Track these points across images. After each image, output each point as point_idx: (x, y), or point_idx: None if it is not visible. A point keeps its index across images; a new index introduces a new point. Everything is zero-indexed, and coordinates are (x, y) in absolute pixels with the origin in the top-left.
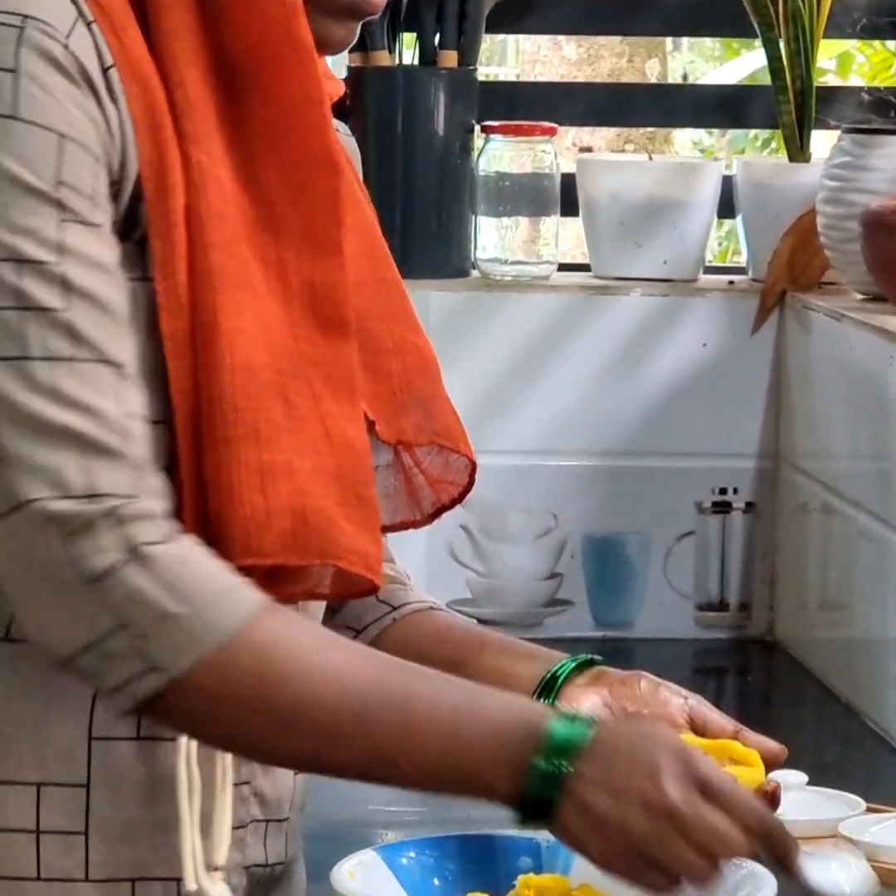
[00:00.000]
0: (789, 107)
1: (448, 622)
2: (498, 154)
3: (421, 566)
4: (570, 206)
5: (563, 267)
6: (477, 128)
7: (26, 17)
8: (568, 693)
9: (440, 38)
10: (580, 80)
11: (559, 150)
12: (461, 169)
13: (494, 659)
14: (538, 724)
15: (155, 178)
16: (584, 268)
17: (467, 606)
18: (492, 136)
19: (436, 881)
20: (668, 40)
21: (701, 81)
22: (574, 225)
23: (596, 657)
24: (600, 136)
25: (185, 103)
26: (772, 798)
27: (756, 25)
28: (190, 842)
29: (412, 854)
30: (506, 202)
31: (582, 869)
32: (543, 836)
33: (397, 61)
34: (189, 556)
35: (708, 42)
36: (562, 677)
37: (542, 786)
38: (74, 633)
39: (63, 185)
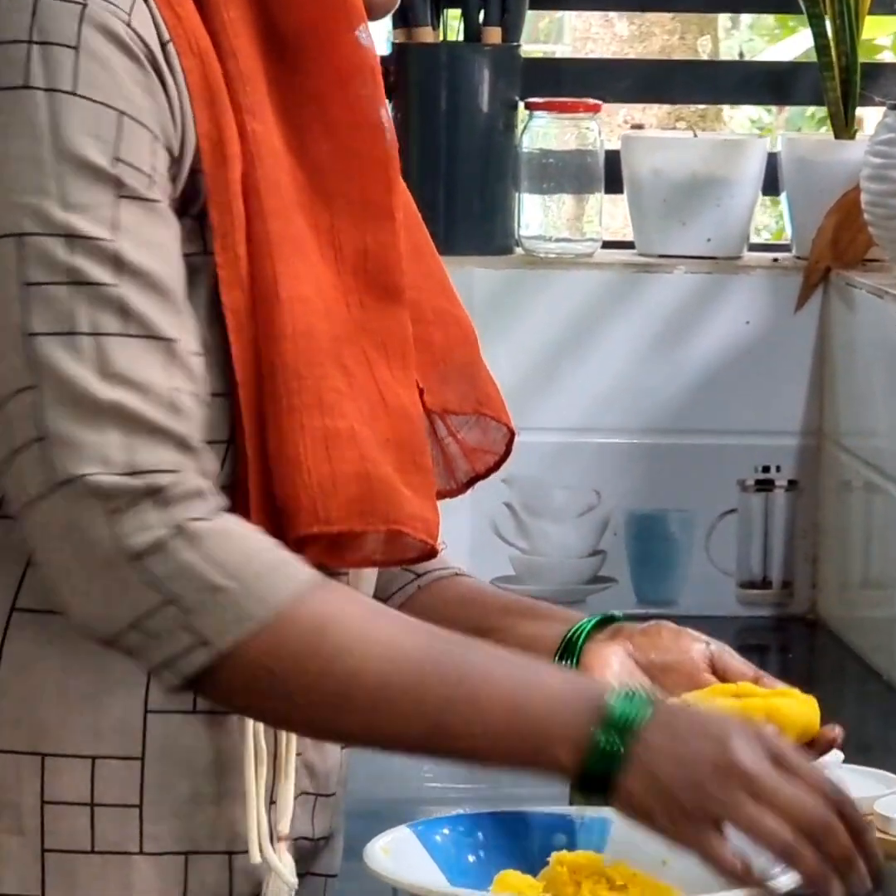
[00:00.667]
0: (835, 83)
1: (471, 587)
2: (542, 131)
3: (465, 543)
4: (615, 184)
5: (607, 244)
6: (521, 104)
7: None
8: (591, 650)
9: (484, 14)
10: (631, 56)
11: (609, 126)
12: (505, 146)
13: (517, 623)
14: (599, 699)
15: (213, 150)
16: (628, 245)
17: (511, 583)
18: (535, 112)
19: (470, 858)
20: (726, 18)
21: (753, 59)
22: (623, 202)
23: (616, 613)
24: (652, 114)
25: (238, 73)
26: (832, 743)
27: (801, 2)
28: (255, 814)
29: (446, 831)
30: (549, 179)
31: (616, 847)
32: (578, 813)
33: (441, 38)
34: (235, 531)
35: (769, 20)
36: (583, 635)
37: (603, 759)
38: (119, 611)
39: (120, 161)
